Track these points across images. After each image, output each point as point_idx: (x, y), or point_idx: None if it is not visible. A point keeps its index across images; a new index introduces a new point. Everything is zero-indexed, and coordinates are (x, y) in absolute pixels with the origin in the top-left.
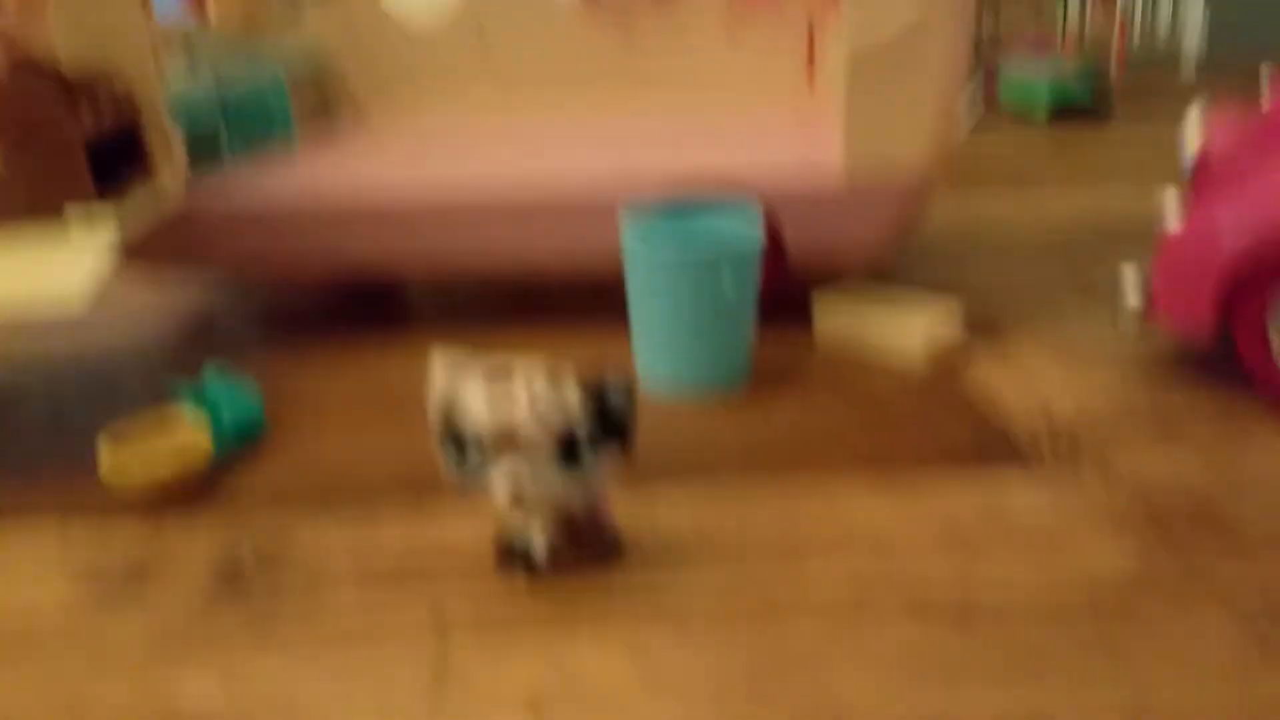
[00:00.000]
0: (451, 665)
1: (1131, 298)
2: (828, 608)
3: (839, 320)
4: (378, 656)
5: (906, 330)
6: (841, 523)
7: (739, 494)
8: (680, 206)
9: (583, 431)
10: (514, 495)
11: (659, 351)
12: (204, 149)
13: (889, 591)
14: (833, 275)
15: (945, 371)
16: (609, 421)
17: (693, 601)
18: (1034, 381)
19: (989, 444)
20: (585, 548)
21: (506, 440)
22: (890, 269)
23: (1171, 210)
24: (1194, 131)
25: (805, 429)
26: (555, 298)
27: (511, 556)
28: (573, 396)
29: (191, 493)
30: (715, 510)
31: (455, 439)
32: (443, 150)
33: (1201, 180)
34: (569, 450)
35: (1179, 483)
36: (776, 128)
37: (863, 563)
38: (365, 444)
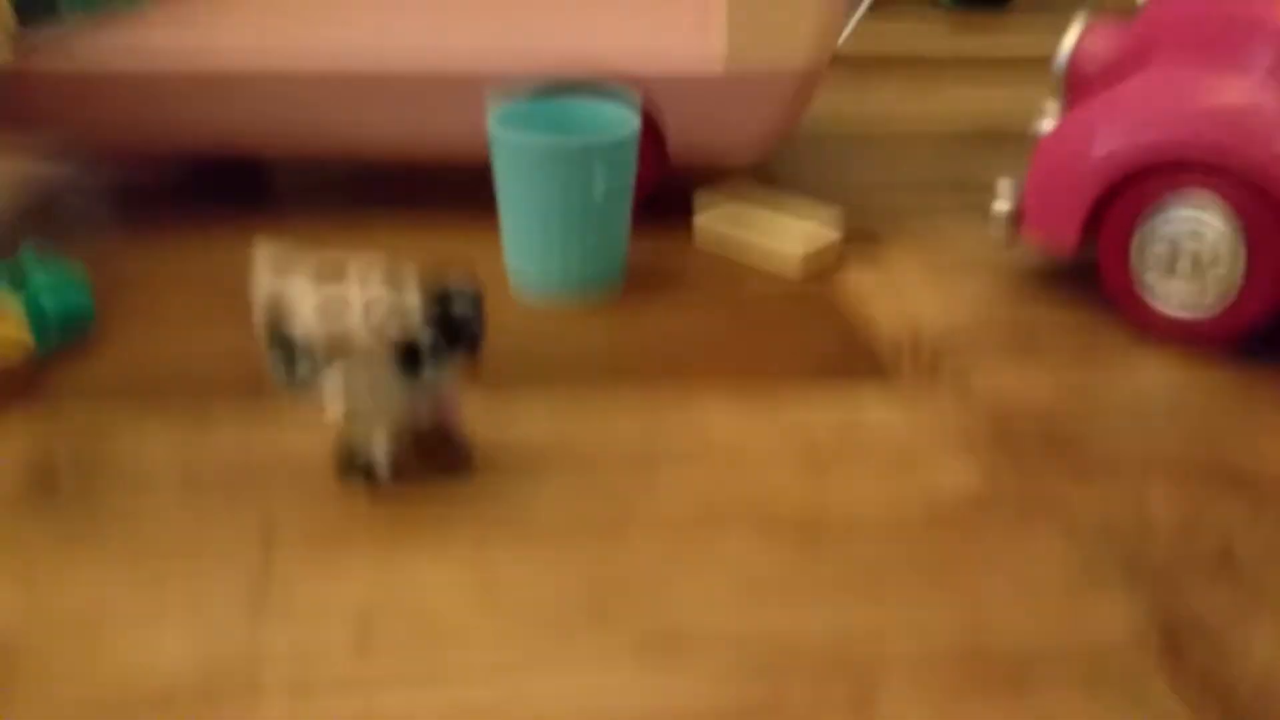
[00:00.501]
0: (276, 578)
1: (1004, 206)
2: (675, 523)
3: (718, 221)
4: (197, 568)
5: (785, 236)
6: (699, 435)
7: (600, 404)
8: (551, 91)
9: (424, 341)
10: (348, 407)
11: (527, 249)
12: (37, 3)
13: (738, 507)
14: (715, 171)
15: (819, 280)
16: (453, 330)
17: (540, 515)
18: (903, 293)
19: (853, 357)
20: (432, 459)
21: (339, 348)
22: (773, 165)
23: (1048, 115)
24: (1070, 37)
25: (674, 336)
26: (432, 187)
27: (352, 467)
28: (413, 302)
29: (4, 390)
30: (574, 420)
31: (283, 344)
32: (300, 15)
33: (1075, 86)
34: (409, 360)
35: (1031, 402)
36: (656, 9)
37: (715, 477)
38: (203, 339)
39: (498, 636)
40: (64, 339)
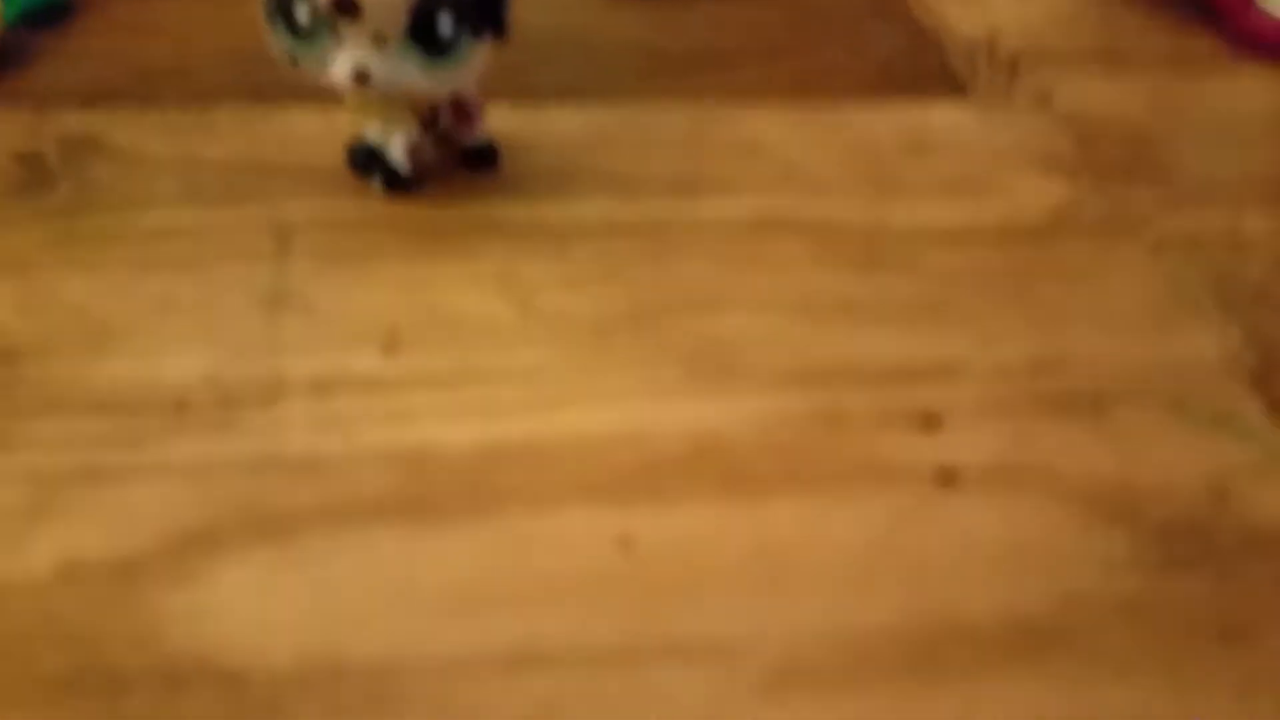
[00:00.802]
0: (293, 285)
1: None
2: (724, 241)
3: None
4: (206, 279)
5: None
6: (749, 152)
7: (638, 115)
8: None
9: (444, 7)
10: (357, 72)
11: None
12: None
13: (793, 226)
14: None
15: None
16: (477, 6)
17: (577, 231)
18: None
19: (923, 65)
20: (453, 152)
21: (347, 9)
22: None
23: None
24: None
25: (723, 34)
26: None
27: (368, 163)
28: None
29: None
30: (610, 132)
31: (282, 5)
32: None
33: None
34: (427, 29)
35: (1117, 117)
36: None
37: (768, 195)
38: (199, 21)
39: (535, 346)
40: (37, 25)
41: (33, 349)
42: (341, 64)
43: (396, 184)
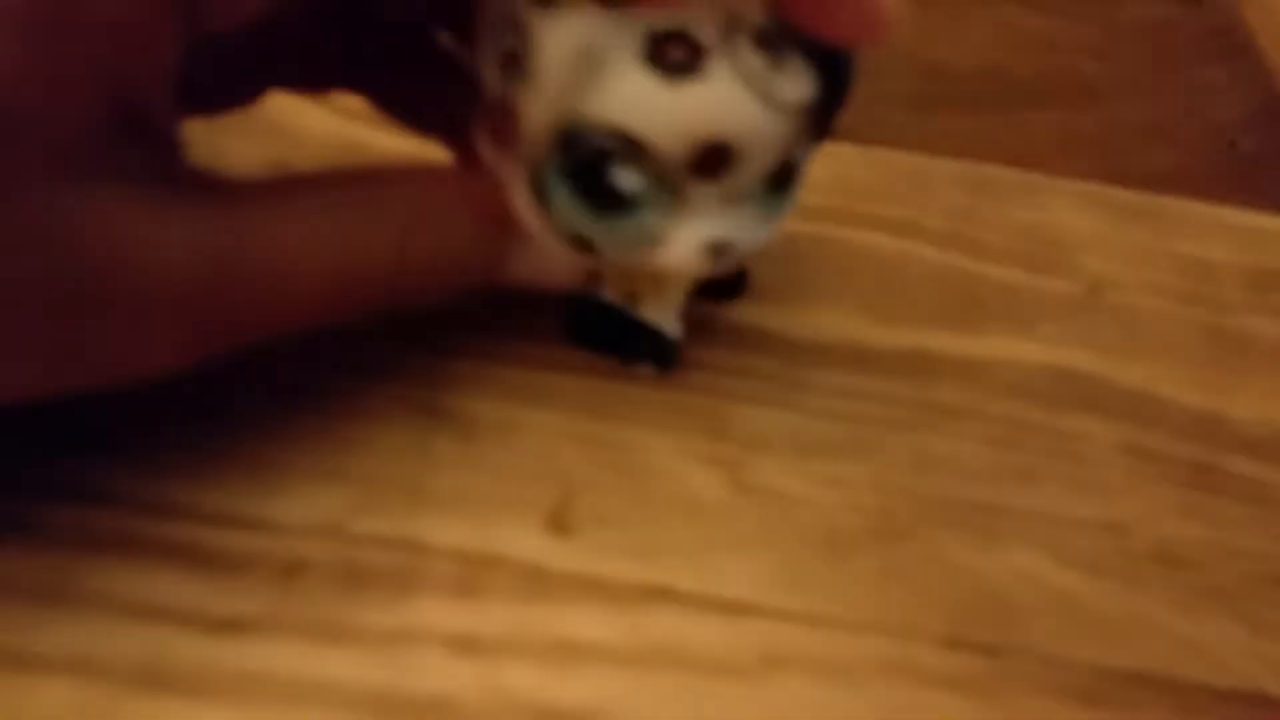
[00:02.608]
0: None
1: None
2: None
3: None
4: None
5: None
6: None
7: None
8: None
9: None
10: (717, 248)
11: None
12: None
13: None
14: None
15: None
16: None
17: (816, 373)
18: None
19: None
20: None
21: (716, 164)
22: None
23: None
24: None
25: None
26: None
27: (617, 336)
28: (801, 73)
29: None
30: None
31: (587, 172)
32: None
33: None
34: (785, 173)
35: None
36: None
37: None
38: None
39: (744, 548)
40: None
41: None
42: (689, 240)
43: (672, 359)
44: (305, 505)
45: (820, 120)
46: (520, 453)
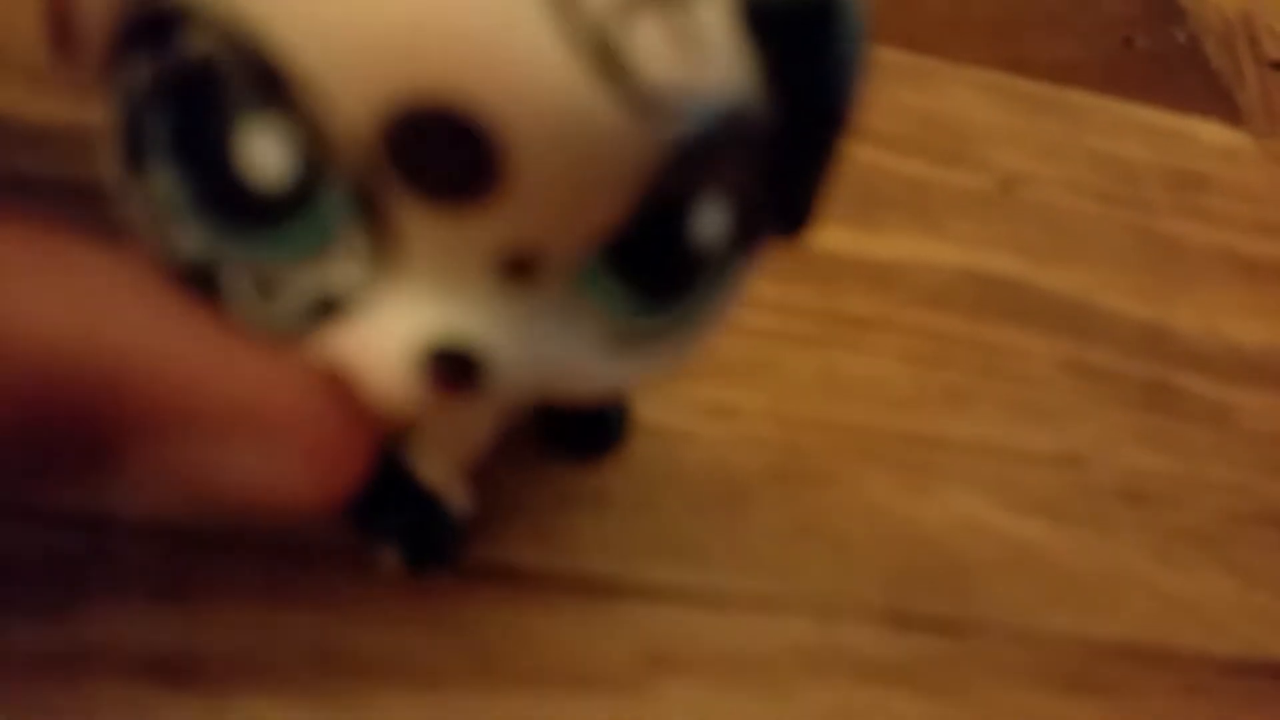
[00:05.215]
0: None
1: None
2: None
3: None
4: None
5: None
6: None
7: None
8: None
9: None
10: (453, 356)
11: None
12: None
13: None
14: None
15: None
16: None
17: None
18: None
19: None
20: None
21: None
22: None
23: None
24: None
25: None
26: None
27: (386, 513)
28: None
29: None
30: None
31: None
32: None
33: None
34: (656, 239)
35: None
36: None
37: None
38: None
39: None
40: None
41: None
42: (406, 330)
43: (437, 556)
44: None
45: (761, 157)
46: None
